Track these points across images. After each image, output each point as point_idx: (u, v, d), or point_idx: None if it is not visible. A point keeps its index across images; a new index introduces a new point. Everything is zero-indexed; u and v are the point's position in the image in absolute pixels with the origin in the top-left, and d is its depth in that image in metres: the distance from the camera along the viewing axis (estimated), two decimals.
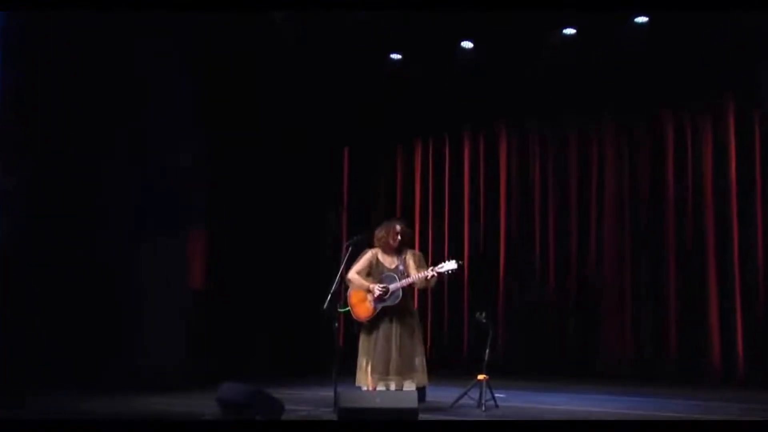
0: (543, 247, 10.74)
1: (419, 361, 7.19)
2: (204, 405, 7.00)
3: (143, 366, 8.90)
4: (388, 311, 7.15)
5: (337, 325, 7.09)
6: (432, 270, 7.01)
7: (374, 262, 7.30)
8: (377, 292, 7.10)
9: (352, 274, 7.28)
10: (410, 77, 10.38)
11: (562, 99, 10.40)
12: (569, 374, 9.86)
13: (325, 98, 10.71)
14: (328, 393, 7.18)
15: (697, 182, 9.92)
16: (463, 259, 10.65)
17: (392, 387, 7.01)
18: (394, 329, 7.11)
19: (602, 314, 10.27)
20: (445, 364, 10.41)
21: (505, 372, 9.44)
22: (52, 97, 8.70)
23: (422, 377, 7.20)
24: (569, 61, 9.68)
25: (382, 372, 7.05)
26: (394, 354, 7.06)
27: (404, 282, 7.11)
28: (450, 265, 6.98)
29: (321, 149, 11.24)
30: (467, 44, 9.89)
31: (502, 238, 10.98)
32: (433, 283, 7.16)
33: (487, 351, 7.36)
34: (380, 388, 7.00)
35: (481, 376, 7.26)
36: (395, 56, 10.32)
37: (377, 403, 6.53)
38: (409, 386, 7.03)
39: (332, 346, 7.06)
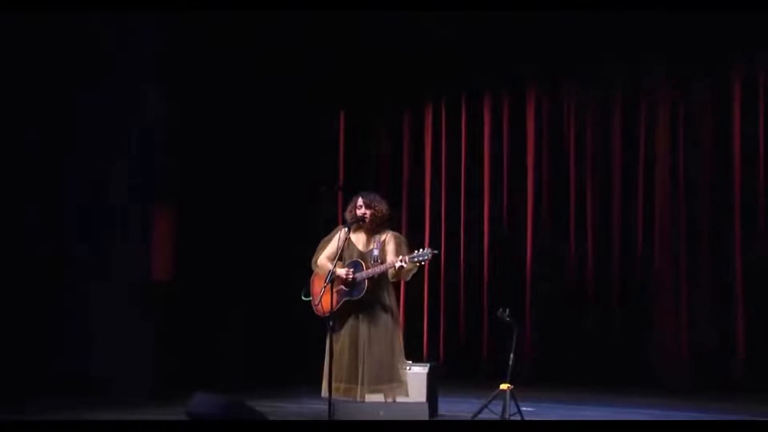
0: (579, 231, 10.69)
1: (401, 368, 7.12)
2: None
3: (96, 375, 8.96)
4: (353, 306, 7.01)
5: (332, 323, 6.99)
6: (401, 259, 6.85)
7: (347, 243, 7.13)
8: (342, 276, 6.94)
9: (322, 259, 7.19)
10: (420, 26, 10.19)
11: (603, 51, 10.32)
12: (612, 383, 9.86)
13: (315, 50, 10.57)
14: (319, 405, 7.20)
15: None
16: (482, 245, 11.06)
17: (358, 399, 6.93)
18: (362, 329, 7.00)
19: (653, 311, 10.24)
20: (461, 371, 10.46)
21: (533, 381, 9.61)
22: None
23: (405, 388, 7.14)
24: (611, 4, 9.46)
25: (347, 380, 6.95)
26: (362, 359, 6.96)
27: (371, 272, 6.96)
28: (424, 255, 6.85)
29: (311, 112, 11.16)
30: None
31: (529, 220, 10.94)
32: (407, 276, 7.09)
33: (512, 355, 7.33)
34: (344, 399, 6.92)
35: (504, 386, 7.22)
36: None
37: (380, 416, 6.61)
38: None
39: (325, 349, 7.01)
